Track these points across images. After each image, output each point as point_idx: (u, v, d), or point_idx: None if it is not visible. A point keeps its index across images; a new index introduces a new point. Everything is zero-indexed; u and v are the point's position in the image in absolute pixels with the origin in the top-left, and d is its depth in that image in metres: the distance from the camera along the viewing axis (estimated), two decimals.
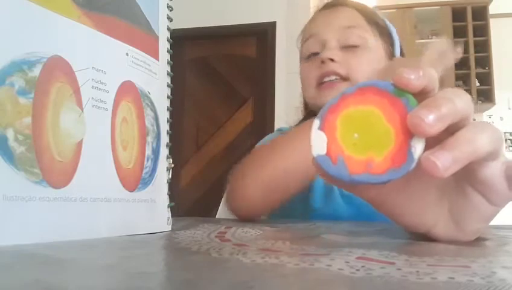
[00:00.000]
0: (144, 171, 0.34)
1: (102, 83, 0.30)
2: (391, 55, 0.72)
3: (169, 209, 0.37)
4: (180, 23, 1.85)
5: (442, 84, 0.26)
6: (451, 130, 0.23)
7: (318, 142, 0.24)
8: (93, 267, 0.19)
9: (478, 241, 0.28)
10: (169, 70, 0.39)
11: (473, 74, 3.63)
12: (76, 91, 0.28)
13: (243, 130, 2.98)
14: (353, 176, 0.23)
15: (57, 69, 0.27)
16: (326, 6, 0.74)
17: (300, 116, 0.80)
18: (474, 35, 3.64)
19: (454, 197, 0.27)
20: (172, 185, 0.38)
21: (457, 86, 3.55)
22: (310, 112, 0.77)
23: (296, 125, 0.73)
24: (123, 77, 0.32)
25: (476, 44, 3.63)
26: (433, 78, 0.24)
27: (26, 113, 0.25)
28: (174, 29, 0.39)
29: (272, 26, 2.91)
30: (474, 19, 3.65)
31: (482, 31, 3.65)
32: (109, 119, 0.31)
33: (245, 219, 0.52)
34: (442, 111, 0.22)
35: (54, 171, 0.26)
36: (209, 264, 0.19)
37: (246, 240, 0.27)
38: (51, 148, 0.26)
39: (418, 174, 0.27)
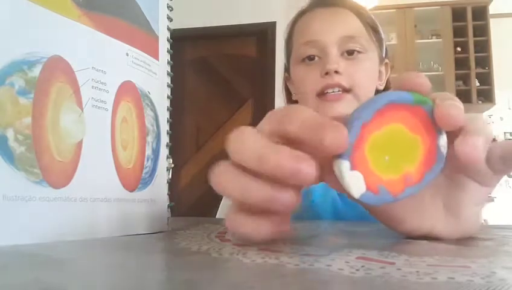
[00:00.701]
0: (144, 171, 0.34)
1: (102, 83, 0.30)
2: (382, 58, 0.73)
3: (169, 209, 0.37)
4: (180, 23, 1.85)
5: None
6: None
7: (355, 182, 0.22)
8: (93, 267, 0.19)
9: (478, 241, 0.28)
10: (169, 70, 0.39)
11: (473, 74, 3.62)
12: (76, 91, 0.28)
13: None
14: (397, 196, 0.23)
15: (57, 69, 0.27)
16: (324, 4, 0.72)
17: None
18: (474, 35, 3.63)
19: (447, 191, 0.27)
20: (172, 185, 0.38)
21: (457, 86, 3.55)
22: None
23: None
24: (123, 77, 0.32)
25: (476, 44, 3.63)
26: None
27: (26, 113, 0.25)
28: (174, 29, 0.39)
29: (272, 26, 2.91)
30: (474, 19, 3.65)
31: (482, 31, 3.65)
32: (109, 119, 0.31)
33: None
34: (481, 140, 0.22)
35: (54, 171, 0.26)
36: (209, 264, 0.19)
37: (246, 240, 0.27)
38: (51, 148, 0.26)
39: None
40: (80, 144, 0.28)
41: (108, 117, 0.31)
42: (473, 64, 3.63)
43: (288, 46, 0.76)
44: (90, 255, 0.22)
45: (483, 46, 3.64)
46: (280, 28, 2.85)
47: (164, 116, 0.37)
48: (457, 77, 3.62)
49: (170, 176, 0.38)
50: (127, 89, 0.33)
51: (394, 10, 3.64)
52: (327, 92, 0.65)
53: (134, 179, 0.33)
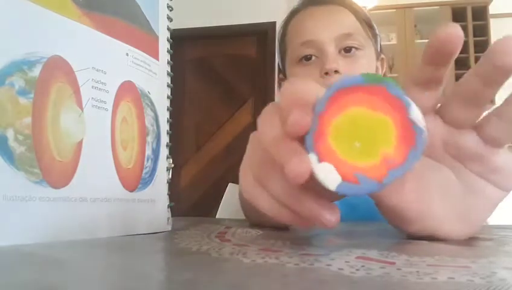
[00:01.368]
0: (144, 171, 0.34)
1: (102, 83, 0.30)
2: (378, 54, 0.73)
3: (169, 209, 0.37)
4: (180, 23, 1.85)
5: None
6: None
7: (327, 174, 0.21)
8: (93, 267, 0.19)
9: (478, 241, 0.28)
10: (169, 70, 0.39)
11: None
12: (76, 91, 0.28)
13: (242, 130, 2.98)
14: (382, 182, 0.22)
15: (57, 69, 0.27)
16: (318, 2, 0.71)
17: None
18: (474, 35, 3.63)
19: (461, 196, 0.27)
20: (172, 185, 0.38)
21: None
22: None
23: None
24: (123, 77, 0.32)
25: (476, 44, 3.63)
26: None
27: (26, 113, 0.25)
28: (174, 29, 0.39)
29: (272, 26, 2.91)
30: (474, 19, 3.65)
31: (482, 31, 3.65)
32: (109, 119, 0.31)
33: None
34: None
35: (54, 171, 0.26)
36: (209, 264, 0.19)
37: (246, 240, 0.27)
38: (51, 148, 0.26)
39: (420, 176, 0.27)
40: (79, 144, 0.28)
41: (108, 117, 0.31)
42: (473, 64, 3.63)
43: (282, 47, 0.75)
44: (90, 255, 0.22)
45: (483, 46, 3.64)
46: (279, 28, 2.85)
47: (164, 116, 0.37)
48: (457, 77, 3.62)
49: (170, 176, 0.38)
50: (127, 89, 0.33)
51: (394, 10, 3.64)
52: None
53: (134, 179, 0.33)
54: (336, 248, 0.23)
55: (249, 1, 3.00)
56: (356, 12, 0.69)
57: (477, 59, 3.61)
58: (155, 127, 0.36)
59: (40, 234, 0.25)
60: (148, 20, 0.36)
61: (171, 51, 0.39)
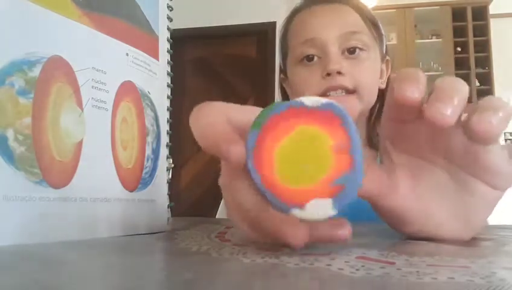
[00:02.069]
0: (144, 171, 0.34)
1: (102, 83, 0.30)
2: (383, 55, 0.71)
3: (169, 209, 0.37)
4: (180, 23, 1.85)
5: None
6: None
7: (316, 210, 0.20)
8: (93, 267, 0.19)
9: (478, 241, 0.28)
10: (169, 70, 0.39)
11: (473, 73, 3.63)
12: (76, 91, 0.28)
13: None
14: (336, 197, 0.20)
15: (57, 69, 0.27)
16: (321, 1, 0.68)
17: None
18: (474, 35, 3.64)
19: (455, 196, 0.27)
20: (172, 185, 0.38)
21: None
22: None
23: None
24: (123, 77, 0.32)
25: (476, 44, 3.63)
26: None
27: (26, 113, 0.25)
28: (174, 29, 0.39)
29: (272, 26, 2.91)
30: (474, 19, 3.65)
31: (482, 31, 3.65)
32: (109, 119, 0.31)
33: None
34: (455, 102, 0.22)
35: (54, 171, 0.26)
36: (209, 264, 0.19)
37: (246, 240, 0.27)
38: (51, 148, 0.26)
39: (414, 178, 0.27)
40: (79, 144, 0.28)
41: (108, 117, 0.31)
42: (472, 64, 3.64)
43: (283, 46, 0.73)
44: (90, 255, 0.22)
45: (483, 46, 3.64)
46: (280, 28, 2.85)
47: (164, 116, 0.37)
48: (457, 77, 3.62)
49: (170, 176, 0.38)
50: (127, 89, 0.33)
51: (394, 10, 3.64)
52: (329, 95, 0.61)
53: (134, 179, 0.33)
54: (336, 248, 0.23)
55: (249, 1, 3.00)
56: (361, 10, 0.67)
57: (477, 59, 3.62)
58: (155, 127, 0.36)
59: (40, 234, 0.25)
60: (148, 20, 0.36)
61: (171, 51, 0.39)
